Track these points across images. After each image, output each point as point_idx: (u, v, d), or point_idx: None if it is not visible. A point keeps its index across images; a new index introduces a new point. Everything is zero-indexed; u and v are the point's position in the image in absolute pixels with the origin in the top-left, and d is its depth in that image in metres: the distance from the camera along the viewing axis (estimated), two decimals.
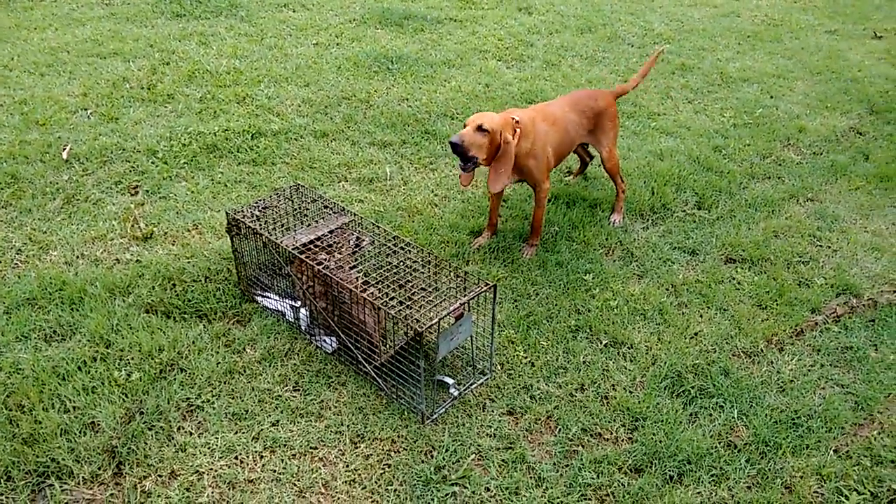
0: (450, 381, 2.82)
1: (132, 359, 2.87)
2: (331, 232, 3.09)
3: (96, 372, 2.80)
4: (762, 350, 3.13)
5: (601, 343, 3.11)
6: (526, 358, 3.00)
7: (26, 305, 3.13)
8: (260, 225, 3.12)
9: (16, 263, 3.42)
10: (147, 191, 4.01)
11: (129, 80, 5.21)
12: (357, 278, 2.80)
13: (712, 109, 5.60)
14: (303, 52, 6.04)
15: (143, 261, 3.45)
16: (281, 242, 2.99)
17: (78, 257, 3.48)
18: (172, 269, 3.37)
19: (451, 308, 2.58)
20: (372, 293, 2.70)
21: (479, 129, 3.23)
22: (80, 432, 2.55)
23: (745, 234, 3.96)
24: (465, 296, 2.66)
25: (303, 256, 2.88)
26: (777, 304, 3.41)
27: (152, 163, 4.24)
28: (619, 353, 3.07)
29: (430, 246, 3.65)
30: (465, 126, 3.27)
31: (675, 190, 4.35)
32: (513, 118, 3.36)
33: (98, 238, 3.62)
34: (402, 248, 2.97)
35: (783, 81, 6.27)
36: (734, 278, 3.61)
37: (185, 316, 3.13)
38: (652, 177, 4.46)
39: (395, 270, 2.89)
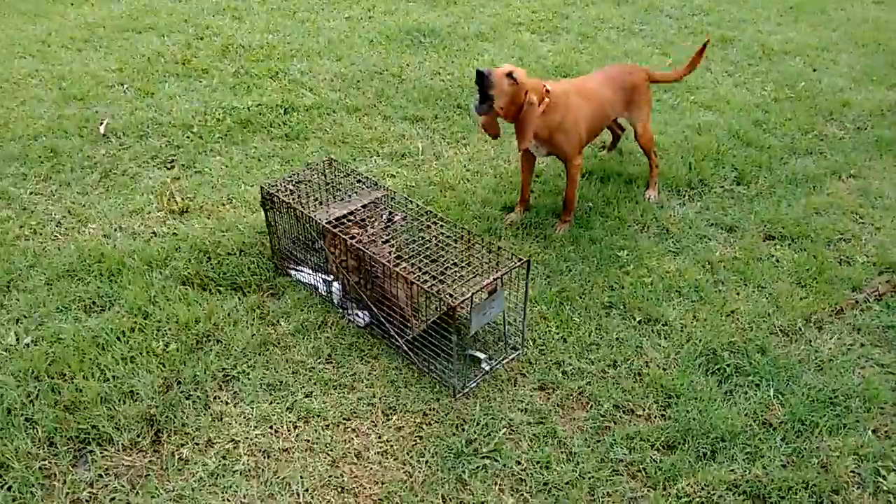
0: (481, 355, 2.82)
1: (169, 330, 2.93)
2: (363, 207, 3.10)
3: (135, 342, 2.86)
4: (800, 328, 3.07)
5: (635, 320, 3.08)
6: (558, 334, 2.98)
7: (66, 277, 3.20)
8: (293, 199, 3.13)
9: (56, 236, 3.50)
10: (182, 165, 4.06)
11: (164, 55, 5.25)
12: (390, 253, 2.80)
13: (753, 83, 5.46)
14: (335, 25, 6.02)
15: (179, 234, 3.49)
16: (314, 216, 3.00)
17: (116, 230, 3.54)
18: (208, 243, 3.41)
19: (484, 283, 2.57)
20: (405, 268, 2.70)
21: (509, 75, 3.14)
22: (119, 400, 2.61)
23: (785, 211, 3.87)
24: (498, 271, 2.64)
25: (336, 230, 2.89)
26: (817, 283, 3.33)
27: (187, 137, 4.28)
28: (652, 331, 3.03)
29: (462, 221, 3.64)
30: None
31: (714, 165, 4.26)
32: (544, 86, 3.30)
33: (135, 211, 3.67)
34: (434, 223, 2.97)
35: (827, 54, 6.07)
36: (773, 256, 3.53)
37: (221, 288, 3.17)
38: (690, 151, 4.37)
39: (427, 245, 2.89)
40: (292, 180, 3.24)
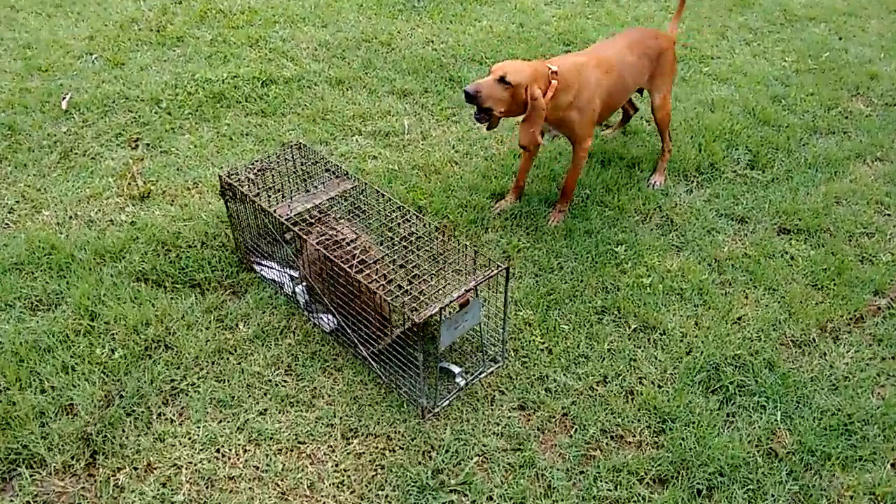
0: (456, 369, 2.54)
1: (117, 334, 2.67)
2: (330, 200, 2.80)
3: (78, 348, 2.61)
4: (814, 339, 2.76)
5: (630, 328, 2.78)
6: (543, 344, 2.69)
7: (13, 271, 2.95)
8: (256, 188, 2.83)
9: (7, 224, 3.23)
10: (147, 144, 3.76)
11: (139, 22, 4.90)
12: (354, 257, 2.50)
13: (773, 52, 5.04)
14: None
15: (137, 223, 3.22)
16: (275, 210, 2.71)
17: (71, 218, 3.27)
18: (168, 233, 3.14)
19: (455, 296, 2.28)
20: (368, 275, 2.40)
21: (502, 80, 2.83)
22: (55, 416, 2.38)
23: (802, 200, 3.52)
24: (472, 280, 2.35)
25: (296, 230, 2.60)
26: (835, 285, 3.01)
27: (155, 113, 3.97)
28: (649, 340, 2.73)
29: (447, 210, 3.32)
30: (489, 73, 2.89)
31: (726, 147, 3.90)
32: (550, 68, 2.95)
33: (93, 196, 3.39)
34: (407, 220, 2.66)
35: (855, 20, 5.61)
36: (787, 252, 3.20)
37: (178, 286, 2.91)
38: (700, 131, 4.01)
39: (398, 246, 2.59)
40: (255, 167, 2.94)
